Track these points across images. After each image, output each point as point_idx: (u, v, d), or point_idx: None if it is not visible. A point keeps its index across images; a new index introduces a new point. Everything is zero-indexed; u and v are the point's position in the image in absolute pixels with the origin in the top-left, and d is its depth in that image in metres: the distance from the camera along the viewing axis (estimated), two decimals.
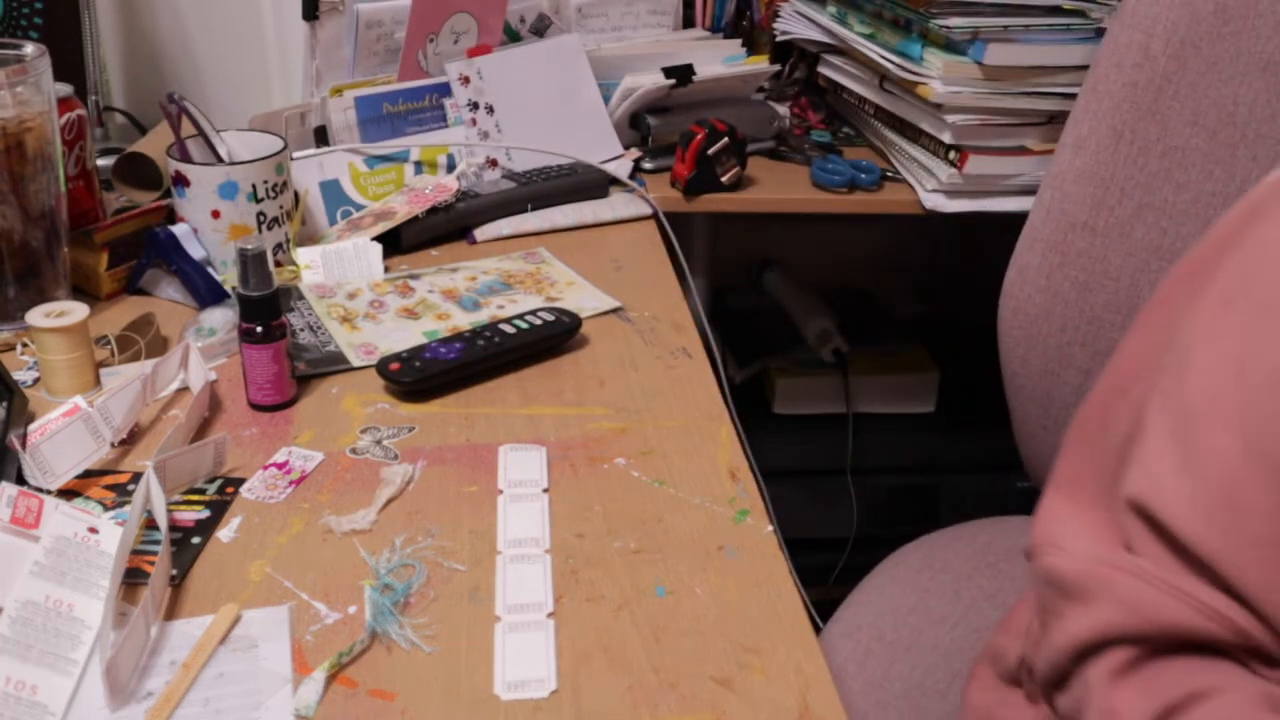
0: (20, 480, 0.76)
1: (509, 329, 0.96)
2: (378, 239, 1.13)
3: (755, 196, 1.36)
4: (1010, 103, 1.28)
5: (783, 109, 1.52)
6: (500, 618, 0.68)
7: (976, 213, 1.31)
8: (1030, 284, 1.04)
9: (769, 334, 1.75)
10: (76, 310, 0.89)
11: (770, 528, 0.77)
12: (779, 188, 1.38)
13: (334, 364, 0.95)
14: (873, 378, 1.69)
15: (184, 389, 0.91)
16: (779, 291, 1.78)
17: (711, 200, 1.34)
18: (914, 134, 1.37)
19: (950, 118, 1.28)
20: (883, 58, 1.35)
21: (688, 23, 1.55)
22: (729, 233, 1.70)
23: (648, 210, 1.29)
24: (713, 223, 1.64)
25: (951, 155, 1.30)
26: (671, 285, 1.13)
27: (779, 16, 1.56)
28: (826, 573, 1.60)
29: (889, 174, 1.39)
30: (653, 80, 1.38)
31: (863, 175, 1.35)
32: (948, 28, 1.25)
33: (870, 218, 1.39)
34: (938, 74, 1.27)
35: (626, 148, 1.40)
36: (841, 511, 1.62)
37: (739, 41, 1.51)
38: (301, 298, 1.05)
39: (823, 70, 1.55)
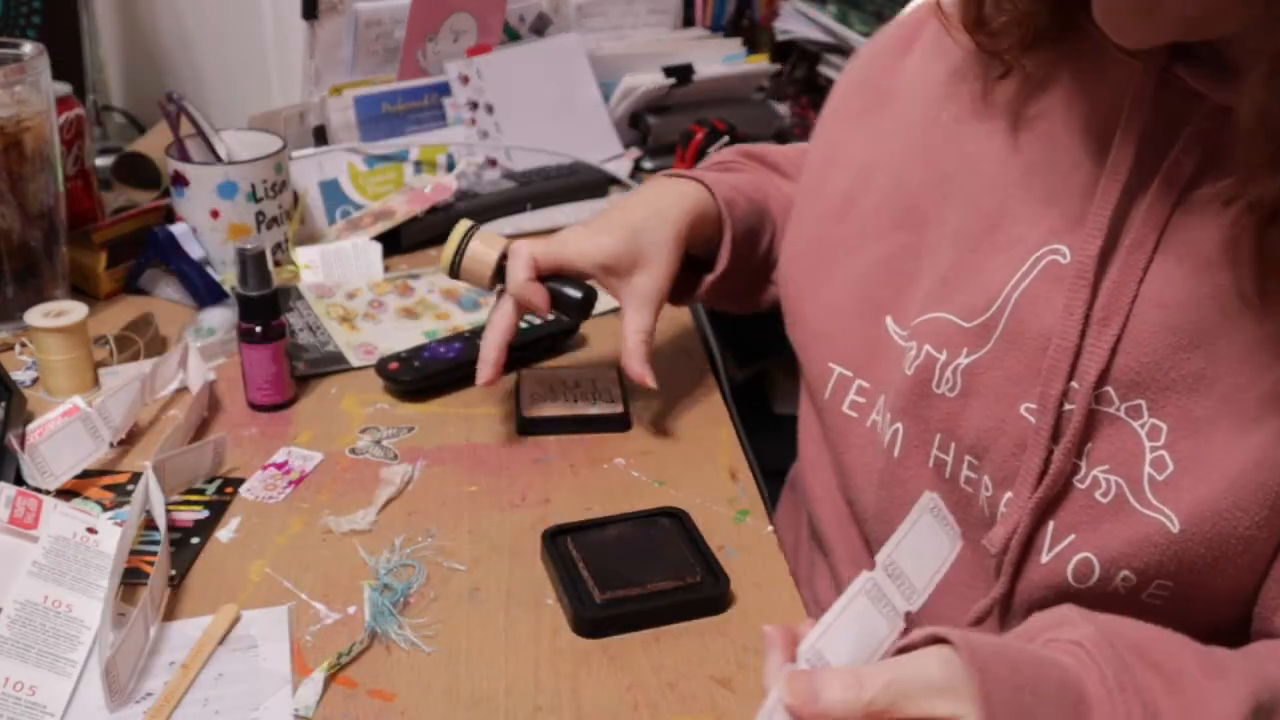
0: (19, 480, 0.76)
1: None
2: (377, 238, 1.13)
3: None
4: None
5: (783, 108, 1.51)
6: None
7: None
8: None
9: (769, 334, 1.74)
10: (75, 310, 0.89)
11: (770, 528, 0.77)
12: None
13: (333, 364, 0.95)
14: None
15: (183, 389, 0.91)
16: None
17: None
18: None
19: None
20: None
21: (688, 22, 1.55)
22: None
23: None
24: None
25: None
26: None
27: (779, 15, 1.55)
28: None
29: None
30: (653, 79, 1.38)
31: None
32: None
33: None
34: None
35: (626, 147, 1.40)
36: None
37: (739, 41, 1.51)
38: (301, 297, 1.05)
39: (823, 70, 1.54)
